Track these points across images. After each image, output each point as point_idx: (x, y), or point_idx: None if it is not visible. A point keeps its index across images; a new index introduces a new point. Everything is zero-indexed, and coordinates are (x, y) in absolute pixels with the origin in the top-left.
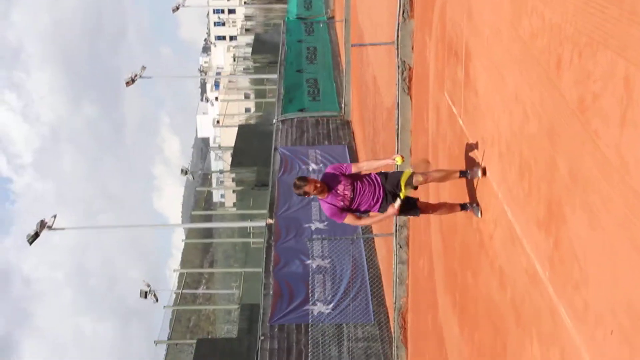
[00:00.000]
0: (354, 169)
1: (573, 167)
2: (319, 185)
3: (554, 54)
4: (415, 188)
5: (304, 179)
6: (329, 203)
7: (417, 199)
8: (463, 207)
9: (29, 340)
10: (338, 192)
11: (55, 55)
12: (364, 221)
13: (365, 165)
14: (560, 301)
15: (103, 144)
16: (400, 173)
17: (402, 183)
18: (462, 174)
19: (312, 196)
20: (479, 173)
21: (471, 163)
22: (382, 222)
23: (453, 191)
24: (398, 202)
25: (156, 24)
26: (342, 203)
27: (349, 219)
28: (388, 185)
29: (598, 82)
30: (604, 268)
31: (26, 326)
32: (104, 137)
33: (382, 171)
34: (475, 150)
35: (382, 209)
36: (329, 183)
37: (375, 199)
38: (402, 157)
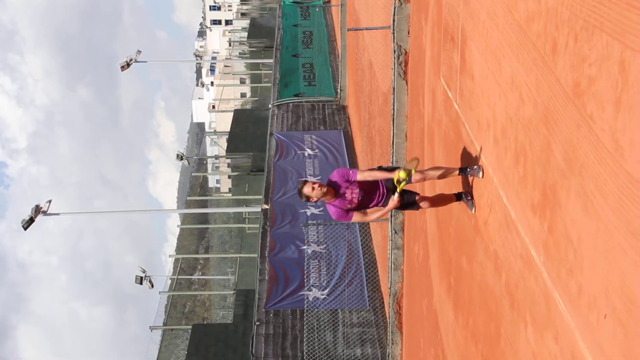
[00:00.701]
0: (359, 177)
1: (568, 152)
2: (316, 186)
3: (550, 38)
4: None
5: (303, 182)
6: (335, 206)
7: (417, 194)
8: (458, 197)
9: (24, 325)
10: (346, 196)
11: (49, 37)
12: (369, 217)
13: (370, 176)
14: (554, 285)
15: (98, 128)
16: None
17: (395, 179)
18: (462, 171)
19: (316, 201)
20: (480, 174)
21: (470, 159)
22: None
23: (449, 180)
24: (397, 194)
25: (151, 7)
26: (349, 206)
27: (356, 218)
28: (389, 182)
29: (593, 66)
30: (598, 252)
31: (22, 311)
32: (99, 121)
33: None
34: (473, 143)
35: (385, 205)
36: (335, 188)
37: (380, 197)
38: (406, 171)
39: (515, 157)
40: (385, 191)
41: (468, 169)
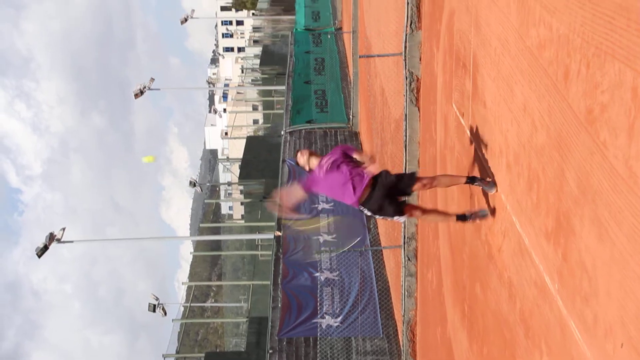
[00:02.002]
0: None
1: (582, 179)
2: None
3: (562, 65)
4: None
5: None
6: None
7: (414, 173)
8: (471, 180)
9: (37, 352)
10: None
11: (64, 65)
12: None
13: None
14: (569, 314)
15: (112, 155)
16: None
17: None
18: (470, 180)
19: (310, 168)
20: (494, 189)
21: (482, 174)
22: (391, 235)
23: (461, 199)
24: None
25: (165, 34)
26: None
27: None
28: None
29: (606, 93)
30: (613, 280)
31: (35, 338)
32: (113, 147)
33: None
34: (485, 163)
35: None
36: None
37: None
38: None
39: (528, 183)
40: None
41: (477, 180)
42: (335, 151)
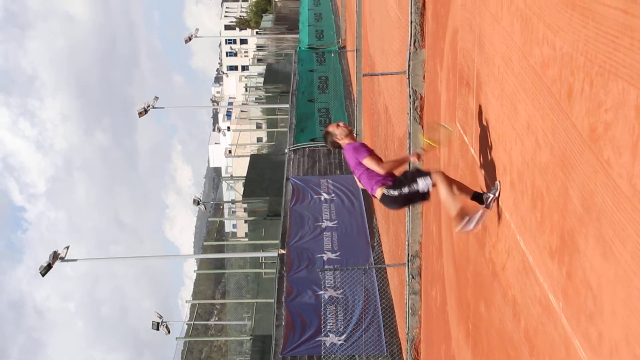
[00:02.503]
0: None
1: (586, 197)
2: (342, 124)
3: (565, 83)
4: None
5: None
6: (352, 147)
7: (430, 173)
8: (477, 197)
9: None
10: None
11: (68, 83)
12: (385, 165)
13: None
14: (574, 332)
15: (116, 173)
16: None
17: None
18: (475, 198)
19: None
20: (497, 192)
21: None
22: (395, 253)
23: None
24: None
25: (169, 52)
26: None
27: (369, 161)
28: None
29: (610, 112)
30: (618, 298)
31: (38, 356)
32: (117, 165)
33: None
34: (489, 182)
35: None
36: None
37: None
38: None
39: (532, 201)
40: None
41: (484, 195)
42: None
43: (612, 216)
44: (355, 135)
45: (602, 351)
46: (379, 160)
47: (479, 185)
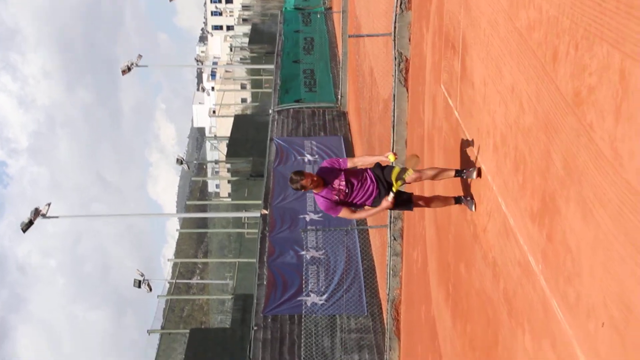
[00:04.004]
0: (349, 164)
1: (568, 160)
2: (315, 179)
3: (551, 46)
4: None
5: (301, 173)
6: (323, 197)
7: (412, 194)
8: (457, 200)
9: (24, 326)
10: (334, 186)
11: (50, 38)
12: (359, 214)
13: (360, 161)
14: (552, 293)
15: (99, 130)
16: (392, 168)
17: (393, 178)
18: (458, 173)
19: (308, 190)
20: (474, 174)
21: (467, 162)
22: (377, 215)
23: (448, 184)
24: (391, 195)
25: (153, 10)
26: (337, 197)
27: (344, 213)
28: (383, 179)
29: (594, 75)
30: (597, 261)
31: (21, 311)
32: (99, 122)
33: (380, 165)
34: (471, 148)
35: (375, 203)
36: (324, 177)
37: (369, 194)
38: (395, 154)
39: (514, 164)
40: (377, 189)
41: (464, 171)
42: (329, 169)
43: (593, 179)
44: (339, 98)
45: (579, 312)
46: (351, 212)
47: (461, 157)
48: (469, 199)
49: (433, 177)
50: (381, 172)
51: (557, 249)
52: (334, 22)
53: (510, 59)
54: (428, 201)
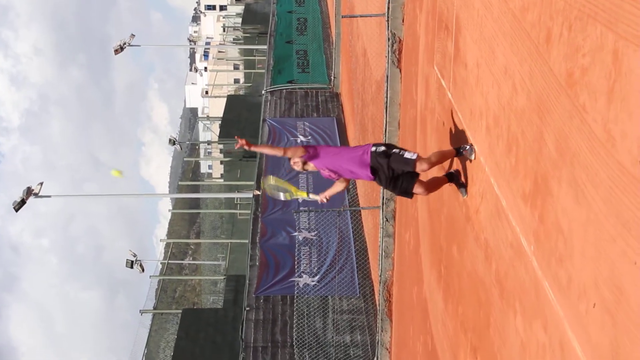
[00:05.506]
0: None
1: (560, 142)
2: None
3: (544, 27)
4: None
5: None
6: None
7: (413, 183)
8: (449, 177)
9: (17, 304)
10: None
11: (44, 16)
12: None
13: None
14: (544, 275)
15: (91, 110)
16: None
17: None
18: (457, 152)
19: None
20: (473, 154)
21: (459, 142)
22: (369, 196)
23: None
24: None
25: None
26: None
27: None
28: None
29: (587, 56)
30: (589, 242)
31: (14, 290)
32: (93, 102)
33: (386, 152)
34: (464, 129)
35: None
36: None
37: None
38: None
39: (507, 146)
40: (373, 177)
41: (461, 148)
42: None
43: (585, 161)
44: (332, 79)
45: (571, 294)
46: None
47: (458, 137)
48: (461, 183)
49: (441, 161)
50: (387, 160)
51: (549, 231)
52: (327, 3)
53: (504, 40)
54: (427, 187)
